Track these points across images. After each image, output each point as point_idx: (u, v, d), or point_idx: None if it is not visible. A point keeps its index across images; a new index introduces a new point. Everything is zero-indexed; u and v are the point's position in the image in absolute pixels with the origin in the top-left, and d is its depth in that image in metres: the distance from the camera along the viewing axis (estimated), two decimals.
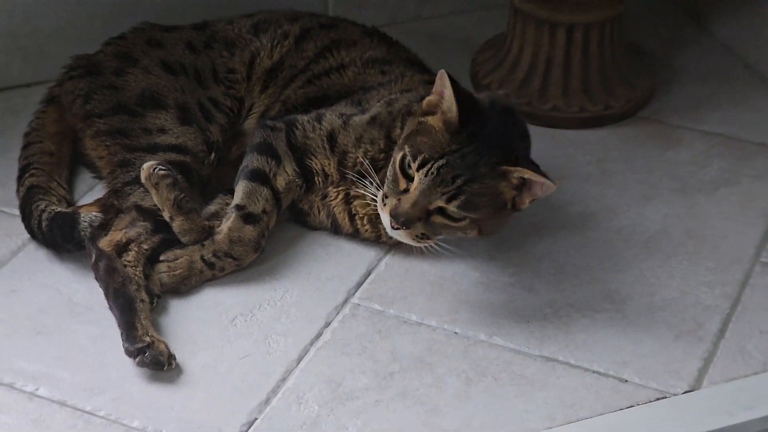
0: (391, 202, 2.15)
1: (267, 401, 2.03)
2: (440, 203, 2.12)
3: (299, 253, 2.32)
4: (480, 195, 2.13)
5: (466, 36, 2.97)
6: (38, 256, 2.29)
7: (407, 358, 2.11)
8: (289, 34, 2.54)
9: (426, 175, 2.11)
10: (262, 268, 2.27)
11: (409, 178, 2.14)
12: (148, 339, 2.07)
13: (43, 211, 2.28)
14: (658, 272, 2.29)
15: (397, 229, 2.14)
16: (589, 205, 2.45)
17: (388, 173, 2.18)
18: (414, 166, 2.12)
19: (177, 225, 2.23)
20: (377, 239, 2.32)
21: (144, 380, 2.06)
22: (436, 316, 2.19)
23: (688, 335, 2.15)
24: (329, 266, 2.29)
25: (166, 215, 2.23)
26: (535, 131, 2.60)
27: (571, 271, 2.29)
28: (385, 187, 2.17)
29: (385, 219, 2.16)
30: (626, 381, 2.07)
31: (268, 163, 2.28)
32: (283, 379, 2.07)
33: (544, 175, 2.11)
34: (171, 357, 2.06)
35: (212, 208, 2.32)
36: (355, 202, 2.30)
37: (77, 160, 2.48)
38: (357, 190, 2.27)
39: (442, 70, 2.13)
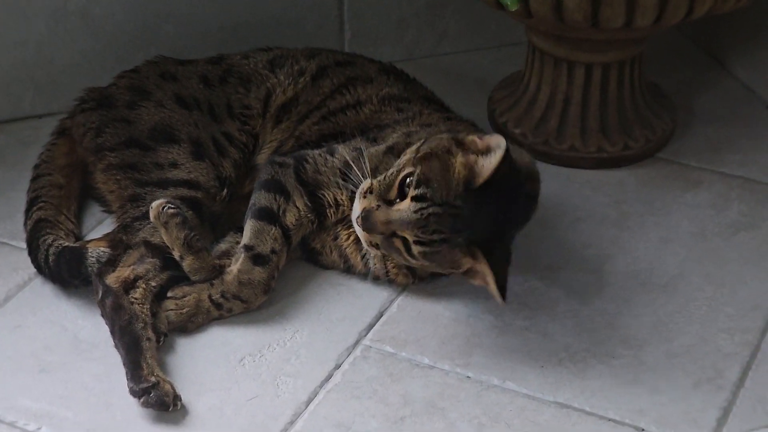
0: (371, 201, 2.10)
1: None
2: (408, 238, 2.08)
3: (310, 293, 2.28)
4: (444, 255, 2.09)
5: (483, 73, 2.94)
6: (44, 291, 2.26)
7: (419, 402, 2.07)
8: (305, 71, 2.52)
9: (415, 211, 2.06)
10: (272, 308, 2.24)
11: (401, 195, 2.09)
12: (153, 379, 2.03)
13: (50, 245, 2.25)
14: (676, 318, 2.24)
15: (359, 226, 2.10)
16: (605, 247, 2.41)
17: (388, 173, 2.12)
18: (411, 192, 2.08)
19: (187, 264, 2.20)
20: (389, 279, 2.28)
21: (149, 421, 2.02)
22: (448, 360, 2.14)
23: (707, 383, 2.11)
24: (340, 307, 2.26)
25: (176, 254, 2.20)
26: (551, 171, 2.59)
27: (587, 315, 2.24)
28: (376, 181, 2.12)
29: (356, 210, 2.12)
30: (643, 430, 2.02)
31: (276, 200, 2.25)
32: (292, 423, 2.03)
33: (501, 286, 2.06)
34: (176, 398, 2.02)
35: (223, 246, 2.28)
36: None
37: (87, 193, 2.46)
38: None
39: (502, 140, 2.05)
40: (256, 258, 2.21)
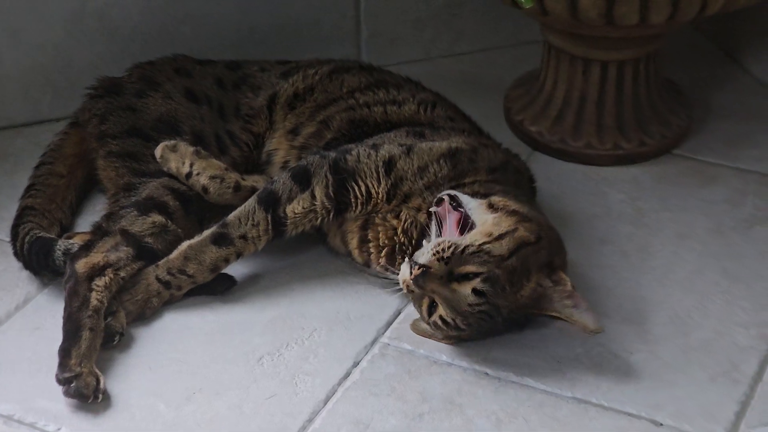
0: (437, 267, 2.04)
1: None
2: (443, 313, 2.08)
3: (328, 292, 2.29)
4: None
5: (499, 72, 2.94)
6: (63, 294, 2.26)
7: (437, 399, 2.07)
8: (319, 68, 2.54)
9: (470, 304, 2.05)
10: (291, 307, 2.25)
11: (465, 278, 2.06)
12: (78, 369, 2.05)
13: (27, 233, 2.29)
14: (692, 313, 2.24)
15: (410, 275, 2.06)
16: (622, 243, 2.41)
17: (467, 244, 2.06)
18: (475, 283, 2.04)
19: (197, 167, 2.28)
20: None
21: (168, 420, 2.03)
22: (466, 357, 2.15)
23: (723, 377, 2.11)
24: (358, 305, 2.26)
25: (185, 167, 2.29)
26: (567, 168, 2.60)
27: (604, 311, 2.24)
28: (456, 249, 2.05)
29: (423, 257, 2.06)
30: (660, 424, 2.03)
31: (290, 190, 2.23)
32: (310, 420, 2.03)
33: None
34: (98, 390, 2.04)
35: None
36: (371, 230, 2.25)
37: (95, 186, 2.49)
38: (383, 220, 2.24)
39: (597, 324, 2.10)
40: (219, 237, 2.21)
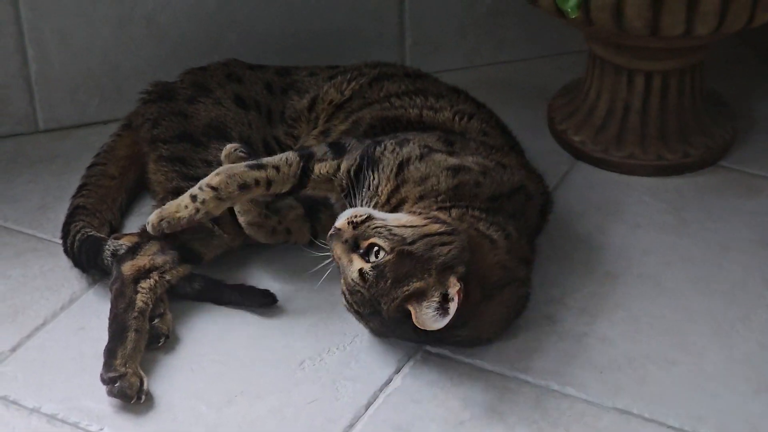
0: (349, 231, 2.07)
1: None
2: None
3: None
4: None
5: (542, 81, 2.94)
6: (107, 293, 2.27)
7: (478, 406, 2.07)
8: (364, 75, 2.54)
9: (353, 279, 2.05)
10: (333, 313, 2.25)
11: (365, 253, 2.06)
12: (122, 370, 2.06)
13: (78, 232, 2.31)
14: (736, 325, 2.23)
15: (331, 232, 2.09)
16: (665, 254, 2.40)
17: (378, 222, 2.08)
18: (365, 263, 2.05)
19: (240, 207, 2.26)
20: None
21: (211, 423, 2.04)
22: (508, 365, 2.15)
23: (767, 390, 2.10)
24: None
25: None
26: (610, 178, 2.59)
27: (647, 321, 2.24)
28: (371, 221, 2.08)
29: (341, 217, 2.10)
30: None
31: (324, 153, 2.25)
32: (351, 426, 2.04)
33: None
34: (141, 391, 2.06)
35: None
36: None
37: (144, 187, 2.51)
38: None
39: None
40: (254, 164, 2.22)
